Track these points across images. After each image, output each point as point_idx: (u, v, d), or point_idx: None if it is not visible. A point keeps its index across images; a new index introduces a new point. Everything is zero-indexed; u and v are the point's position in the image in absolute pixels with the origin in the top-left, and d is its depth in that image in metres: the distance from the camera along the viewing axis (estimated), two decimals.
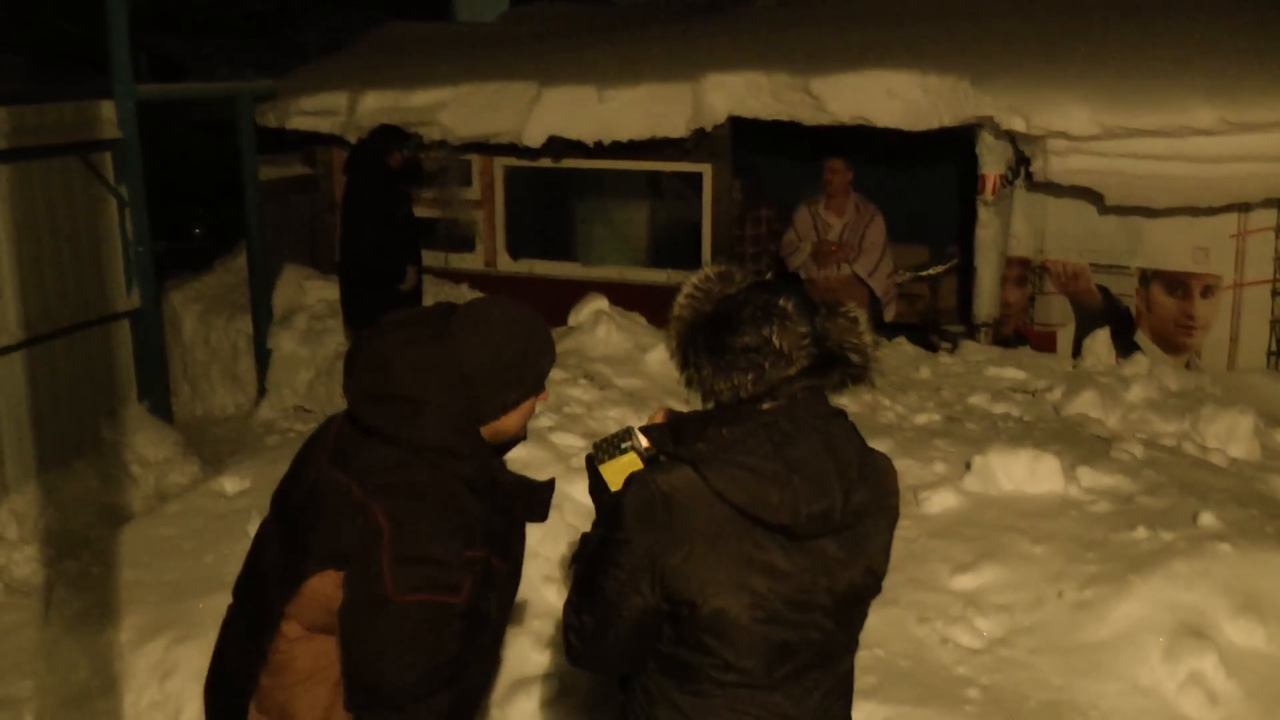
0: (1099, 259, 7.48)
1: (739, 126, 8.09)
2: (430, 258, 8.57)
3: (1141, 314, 7.43)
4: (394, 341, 2.32)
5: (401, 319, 2.39)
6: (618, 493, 2.21)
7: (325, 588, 2.25)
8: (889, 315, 7.40)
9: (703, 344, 2.20)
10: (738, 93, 7.90)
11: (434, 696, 2.22)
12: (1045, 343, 7.62)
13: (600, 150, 8.14)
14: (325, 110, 8.92)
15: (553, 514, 2.80)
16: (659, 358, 5.92)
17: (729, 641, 2.15)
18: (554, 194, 9.32)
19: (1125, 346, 7.13)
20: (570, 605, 2.26)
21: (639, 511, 2.13)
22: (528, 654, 3.92)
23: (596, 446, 2.36)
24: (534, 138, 8.21)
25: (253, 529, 3.12)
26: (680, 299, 2.26)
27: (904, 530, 3.45)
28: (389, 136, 7.69)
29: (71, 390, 6.97)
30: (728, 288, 2.23)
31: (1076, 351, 7.24)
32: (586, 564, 2.24)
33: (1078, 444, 5.17)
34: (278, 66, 11.13)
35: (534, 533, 2.83)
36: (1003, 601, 4.01)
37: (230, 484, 5.19)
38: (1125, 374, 6.41)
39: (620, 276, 8.63)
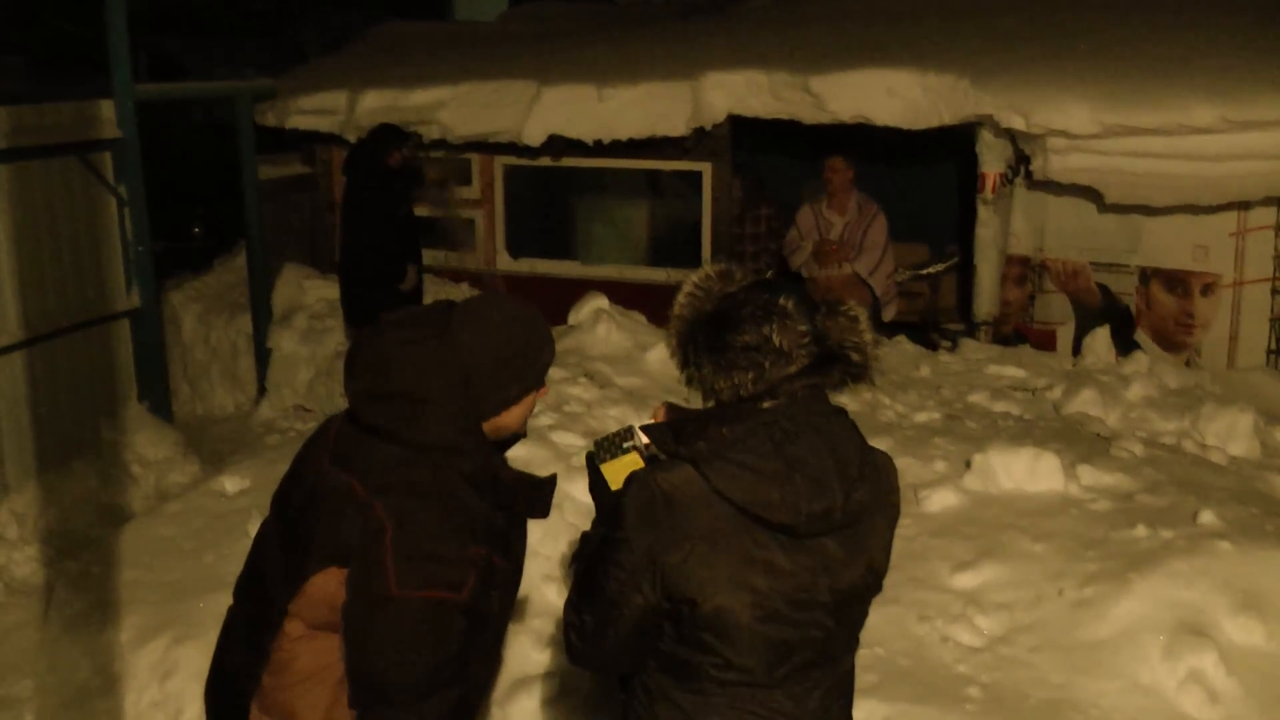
0: (1099, 257, 7.48)
1: (739, 125, 8.09)
2: (430, 257, 8.57)
3: (1141, 312, 7.44)
4: (394, 340, 2.32)
5: (401, 318, 2.39)
6: (618, 492, 2.20)
7: (329, 585, 2.25)
8: (889, 314, 7.40)
9: (703, 342, 2.19)
10: (737, 91, 7.90)
11: (436, 694, 2.22)
12: (1045, 341, 7.63)
13: (600, 149, 8.14)
14: (324, 109, 8.92)
15: (553, 513, 2.79)
16: (659, 356, 5.92)
17: (730, 640, 2.15)
18: (554, 193, 9.31)
19: (1125, 345, 7.13)
20: (571, 604, 2.26)
21: (640, 510, 2.13)
22: (528, 653, 3.92)
23: (597, 445, 2.36)
24: (534, 136, 8.21)
25: (253, 529, 3.12)
26: (680, 297, 2.26)
27: (904, 528, 3.45)
28: (388, 136, 7.68)
29: (71, 390, 6.96)
30: (728, 286, 2.23)
31: (1076, 350, 7.23)
32: (587, 563, 2.24)
33: (1078, 442, 5.17)
34: (277, 66, 11.13)
35: (534, 531, 2.83)
36: (1003, 600, 4.01)
37: (230, 484, 5.19)
38: (1125, 372, 6.41)
39: (620, 275, 8.63)
